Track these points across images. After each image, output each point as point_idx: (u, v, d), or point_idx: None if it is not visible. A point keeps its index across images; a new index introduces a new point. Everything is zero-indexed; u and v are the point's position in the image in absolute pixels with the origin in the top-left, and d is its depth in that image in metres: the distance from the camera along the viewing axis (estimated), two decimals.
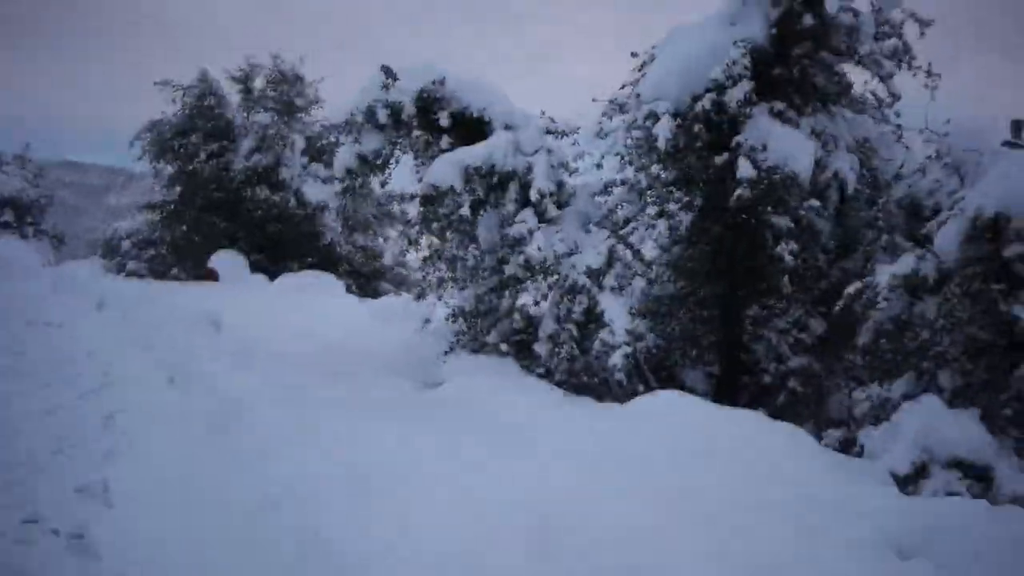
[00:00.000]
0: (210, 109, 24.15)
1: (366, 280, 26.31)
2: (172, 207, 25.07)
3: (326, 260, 25.79)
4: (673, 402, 7.82)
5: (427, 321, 12.68)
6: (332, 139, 10.56)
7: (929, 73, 10.77)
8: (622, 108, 11.19)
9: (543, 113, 11.07)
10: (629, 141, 10.69)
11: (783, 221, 10.44)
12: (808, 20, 10.39)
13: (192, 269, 24.24)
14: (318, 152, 24.88)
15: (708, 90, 10.35)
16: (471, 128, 11.02)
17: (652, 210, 10.98)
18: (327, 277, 19.81)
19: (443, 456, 6.60)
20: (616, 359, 9.86)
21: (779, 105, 10.57)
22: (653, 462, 6.42)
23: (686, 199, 11.06)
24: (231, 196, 24.55)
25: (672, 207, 11.06)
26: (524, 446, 7.10)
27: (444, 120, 10.79)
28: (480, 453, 6.69)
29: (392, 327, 13.60)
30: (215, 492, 6.32)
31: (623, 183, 11.00)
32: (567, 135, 11.03)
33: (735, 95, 10.12)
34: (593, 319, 10.35)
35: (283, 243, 25.22)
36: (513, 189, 10.70)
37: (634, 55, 12.15)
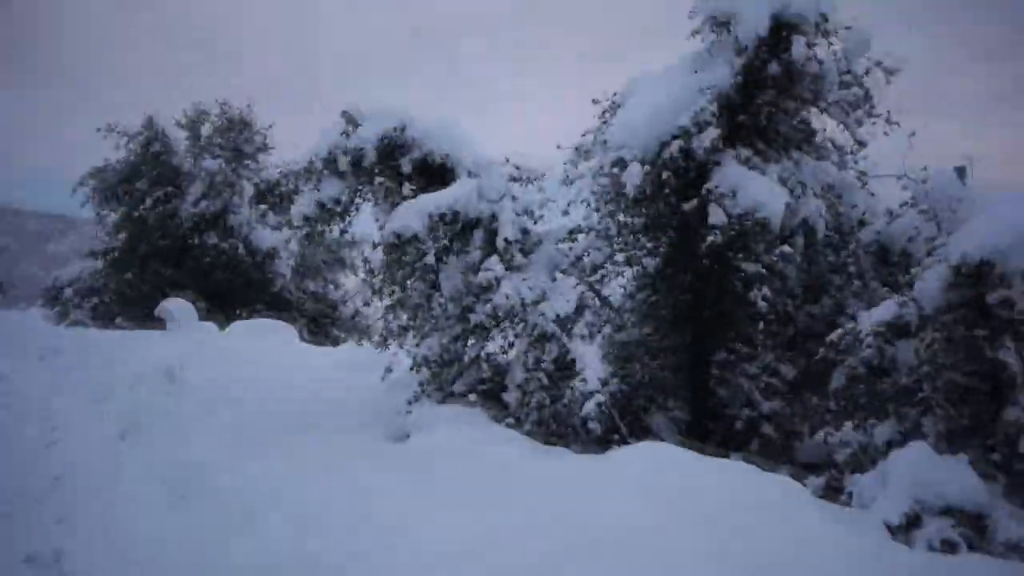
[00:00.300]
0: (156, 155, 23.61)
1: (317, 326, 25.82)
2: (117, 254, 24.39)
3: (276, 306, 25.28)
4: (657, 456, 7.53)
5: (389, 371, 12.33)
6: (291, 186, 10.16)
7: (888, 121, 10.81)
8: (587, 154, 11.02)
9: (507, 160, 10.85)
10: (596, 188, 10.51)
11: (753, 267, 10.30)
12: (773, 68, 10.34)
13: (138, 317, 23.56)
14: (267, 198, 24.43)
15: (675, 137, 10.23)
16: (434, 174, 10.78)
17: (620, 256, 10.78)
18: (277, 323, 19.29)
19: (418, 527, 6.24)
20: (590, 407, 9.62)
21: (745, 152, 10.48)
22: (644, 530, 6.12)
23: (653, 245, 10.89)
24: (178, 243, 23.98)
25: (639, 253, 10.88)
26: (501, 510, 6.77)
27: (406, 167, 10.54)
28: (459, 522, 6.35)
29: (354, 376, 13.18)
30: (176, 569, 5.91)
31: (590, 230, 10.78)
32: (532, 182, 10.82)
33: (703, 142, 10.00)
34: (564, 367, 10.09)
35: (232, 290, 24.67)
36: (478, 236, 10.45)
37: (596, 102, 12.03)
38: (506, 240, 10.20)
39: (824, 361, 11.03)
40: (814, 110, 11.03)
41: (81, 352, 14.60)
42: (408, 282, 10.66)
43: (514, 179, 10.82)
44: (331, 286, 26.71)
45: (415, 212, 10.13)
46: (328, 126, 10.54)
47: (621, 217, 10.49)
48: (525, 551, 5.88)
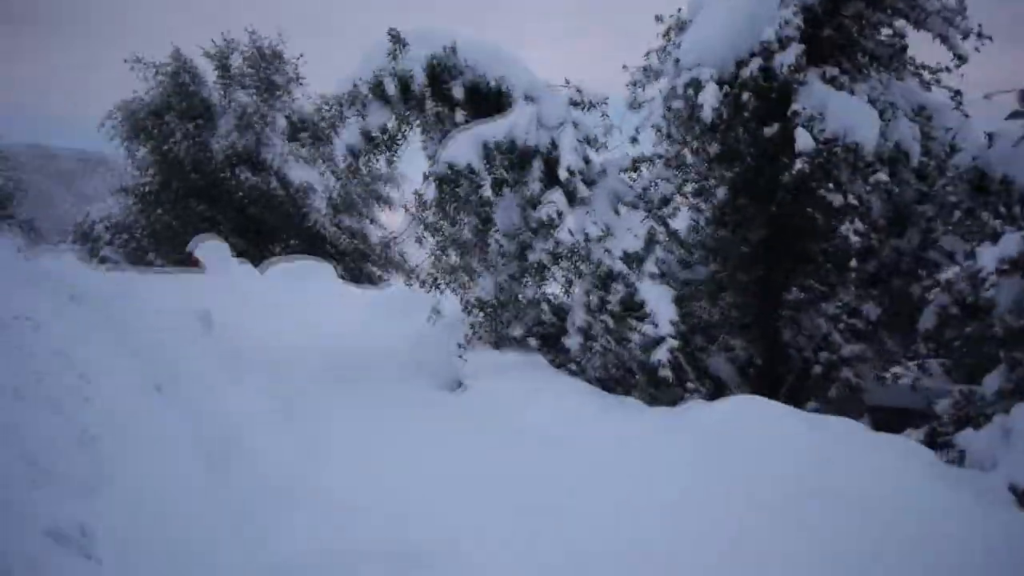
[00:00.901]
0: (185, 87, 22.61)
1: (353, 262, 25.01)
2: (148, 191, 23.56)
3: (310, 243, 24.47)
4: (763, 415, 6.61)
5: (437, 312, 11.47)
6: (333, 113, 9.18)
7: (980, 35, 9.68)
8: (655, 75, 9.96)
9: (568, 83, 9.81)
10: (666, 112, 9.45)
11: (838, 198, 9.26)
12: None
13: (171, 255, 22.83)
14: (301, 131, 23.49)
15: (754, 54, 9.20)
16: (487, 101, 9.77)
17: (690, 188, 9.78)
18: (317, 263, 18.42)
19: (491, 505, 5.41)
20: (661, 354, 8.72)
21: (831, 70, 9.39)
22: (766, 507, 5.25)
23: (727, 175, 9.86)
24: (210, 179, 23.09)
25: (711, 184, 9.87)
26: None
27: (457, 92, 9.52)
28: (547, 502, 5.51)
29: (399, 320, 12.32)
30: (212, 555, 5.14)
31: (658, 158, 9.76)
32: (595, 106, 9.79)
33: (787, 59, 8.94)
34: (631, 308, 9.18)
35: (266, 226, 23.87)
36: (537, 167, 9.47)
37: (659, 19, 10.96)
38: (568, 170, 9.22)
39: (909, 299, 10.07)
40: (904, 23, 9.87)
41: (114, 294, 13.83)
42: (461, 217, 9.70)
43: (575, 104, 9.81)
44: (367, 222, 25.80)
45: (469, 141, 9.17)
46: (369, 48, 9.52)
47: (695, 144, 9.44)
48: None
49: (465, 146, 9.15)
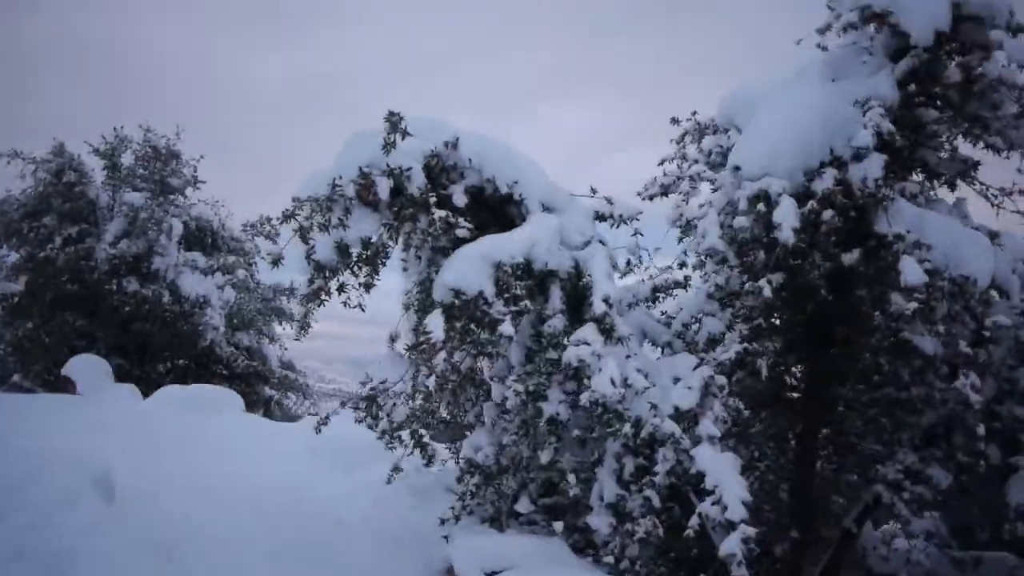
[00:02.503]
0: (69, 187, 19.67)
1: (248, 386, 22.08)
2: (16, 300, 20.26)
3: (199, 364, 21.53)
4: None
5: (398, 469, 9.09)
6: (302, 220, 6.79)
7: None
8: (693, 188, 8.08)
9: (594, 192, 7.79)
10: (719, 232, 7.48)
11: (929, 342, 7.42)
12: (953, 74, 7.58)
13: (39, 374, 19.53)
14: (199, 238, 20.83)
15: (826, 164, 7.38)
16: (495, 210, 7.68)
17: (742, 326, 7.76)
18: (220, 390, 15.59)
19: None
20: (732, 546, 6.51)
21: (911, 186, 7.67)
22: None
23: (790, 313, 7.93)
24: (91, 288, 20.01)
25: (768, 324, 7.91)
26: None
27: (459, 197, 7.37)
28: None
29: (347, 474, 9.86)
30: None
31: (715, 288, 7.77)
32: (626, 222, 7.77)
33: (871, 171, 7.14)
34: (687, 483, 7.03)
35: (151, 345, 20.81)
36: (556, 296, 7.33)
37: (675, 121, 9.17)
38: (607, 302, 7.11)
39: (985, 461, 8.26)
40: (978, 133, 8.29)
41: None
42: (460, 359, 7.43)
43: (601, 218, 7.79)
44: (266, 340, 22.98)
45: (478, 260, 6.99)
46: (351, 139, 7.30)
47: (760, 274, 7.43)
48: None
49: (473, 266, 6.96)
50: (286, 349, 23.53)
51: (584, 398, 6.88)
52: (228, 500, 8.54)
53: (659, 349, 8.07)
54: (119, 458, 9.10)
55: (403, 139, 6.99)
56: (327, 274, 7.20)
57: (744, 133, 7.90)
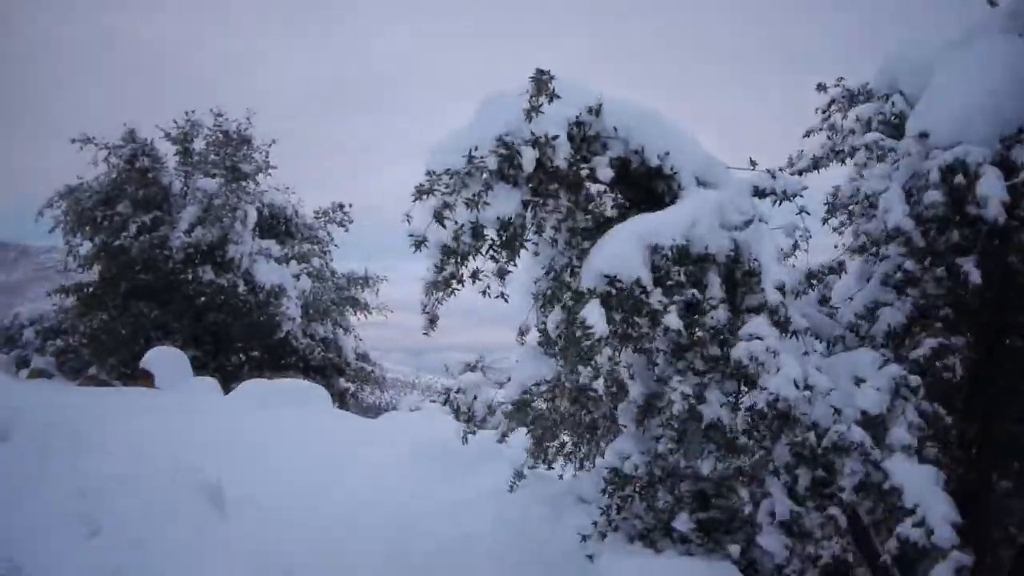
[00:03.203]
0: (143, 173, 19.17)
1: (323, 378, 21.43)
2: (91, 290, 19.81)
3: (275, 355, 20.94)
4: None
5: (520, 476, 8.27)
6: (436, 197, 5.87)
7: None
8: (879, 156, 7.04)
9: (753, 164, 6.79)
10: (905, 209, 6.45)
11: None
12: None
13: (115, 368, 19.04)
14: (274, 225, 20.22)
15: (1022, 129, 6.33)
16: (642, 185, 6.69)
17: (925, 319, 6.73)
18: (306, 385, 14.85)
19: None
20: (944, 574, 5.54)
21: None
22: None
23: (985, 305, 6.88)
24: (166, 278, 19.50)
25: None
26: None
27: (604, 171, 6.40)
28: None
29: (457, 478, 9.02)
30: None
31: (892, 273, 6.75)
32: (789, 198, 6.77)
33: None
34: (881, 499, 6.04)
35: (226, 335, 20.27)
36: (715, 282, 6.36)
37: (822, 88, 8.16)
38: (780, 290, 6.15)
39: None
40: None
41: (60, 430, 10.16)
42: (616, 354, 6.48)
43: (760, 194, 6.80)
44: (340, 330, 22.31)
45: (632, 243, 6.02)
46: (485, 103, 6.38)
47: (957, 257, 6.39)
48: None
49: (628, 249, 6.01)
50: (361, 340, 22.88)
51: (760, 400, 5.92)
52: (336, 512, 7.76)
53: (825, 344, 7.08)
54: (216, 461, 8.37)
55: (550, 103, 6.06)
56: (459, 259, 6.29)
57: (925, 97, 6.84)
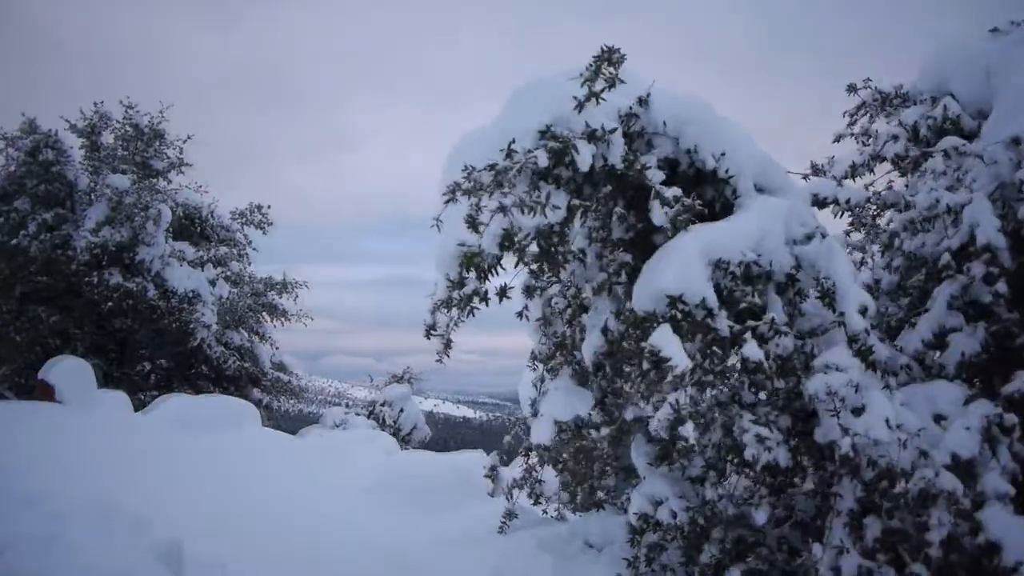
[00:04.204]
0: (46, 167, 17.31)
1: (237, 390, 19.90)
2: None
3: (185, 364, 19.32)
4: None
5: (512, 516, 7.26)
6: (463, 199, 4.77)
7: None
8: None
9: (815, 169, 5.91)
10: (996, 224, 5.65)
11: None
12: None
13: (8, 378, 17.17)
14: (189, 226, 18.61)
15: None
16: (692, 190, 5.72)
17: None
18: (234, 402, 13.38)
19: None
20: None
21: None
22: None
23: None
24: (67, 280, 17.68)
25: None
26: None
27: (654, 172, 5.41)
28: None
29: (430, 517, 7.90)
30: None
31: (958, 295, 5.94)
32: (851, 210, 5.92)
33: None
34: (980, 554, 5.20)
35: (133, 343, 18.55)
36: (778, 305, 5.45)
37: (852, 90, 7.38)
38: (863, 313, 5.28)
39: None
40: None
41: None
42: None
43: (820, 204, 5.95)
44: (256, 338, 20.79)
45: (695, 258, 5.06)
46: (522, 90, 5.31)
47: None
48: None
49: (691, 266, 5.04)
50: (278, 348, 21.40)
51: (845, 444, 5.01)
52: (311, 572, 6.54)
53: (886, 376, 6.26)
54: (156, 505, 7.04)
55: (611, 88, 5.03)
56: (484, 273, 5.20)
57: (1001, 99, 6.09)
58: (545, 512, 7.93)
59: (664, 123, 5.53)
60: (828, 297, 5.39)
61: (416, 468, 9.13)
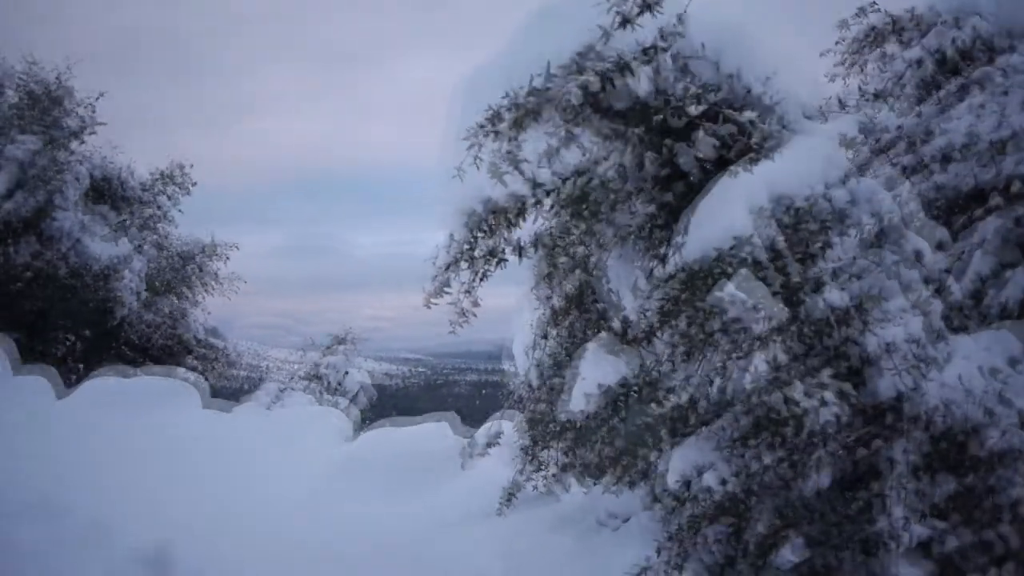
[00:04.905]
0: None
1: (166, 358, 18.72)
2: None
3: (110, 337, 18.04)
4: None
5: (512, 495, 6.62)
6: (494, 140, 3.95)
7: None
8: None
9: (843, 105, 5.27)
10: None
11: None
12: None
13: None
14: (107, 192, 17.25)
15: None
16: (734, 121, 5.00)
17: None
18: (172, 381, 12.34)
19: None
20: None
21: None
22: None
23: None
24: None
25: None
26: None
27: (692, 103, 4.68)
28: None
29: (415, 497, 7.19)
30: None
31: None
32: (886, 150, 5.29)
33: None
34: None
35: (50, 322, 17.16)
36: (837, 244, 4.81)
37: (862, 13, 6.78)
38: (940, 248, 4.69)
39: None
40: None
41: None
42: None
43: (849, 144, 5.33)
44: (187, 304, 19.56)
45: (758, 193, 4.39)
46: (535, 16, 4.51)
47: None
48: None
49: (753, 204, 4.36)
50: (210, 314, 20.23)
51: (922, 401, 4.41)
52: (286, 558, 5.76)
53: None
54: (117, 504, 6.17)
55: (646, 13, 4.24)
56: (507, 224, 4.42)
57: None
58: (536, 488, 7.25)
59: (703, 44, 4.79)
60: (891, 235, 4.76)
61: (385, 445, 8.37)
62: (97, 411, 10.56)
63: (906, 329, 4.50)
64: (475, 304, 4.56)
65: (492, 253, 4.48)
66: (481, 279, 4.63)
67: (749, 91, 4.83)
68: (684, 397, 4.39)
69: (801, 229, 4.46)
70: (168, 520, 6.02)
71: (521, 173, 3.98)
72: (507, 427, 13.87)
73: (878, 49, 7.06)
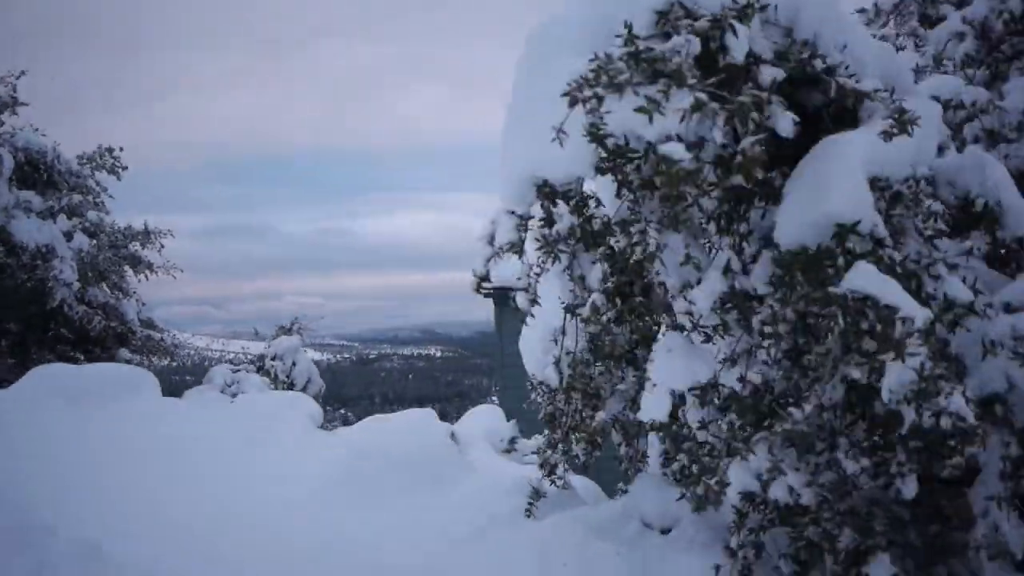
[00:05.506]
0: None
1: (102, 350, 17.69)
2: None
3: (42, 327, 16.96)
4: None
5: (538, 495, 6.09)
6: (589, 102, 3.38)
7: None
8: None
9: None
10: None
11: None
12: None
13: None
14: (36, 172, 16.11)
15: None
16: (807, 91, 4.53)
17: None
18: (124, 369, 11.45)
19: None
20: None
21: None
22: None
23: None
24: None
25: None
26: None
27: (768, 70, 4.19)
28: None
29: (437, 499, 6.62)
30: None
31: None
32: (978, 116, 4.87)
33: None
34: None
35: None
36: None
37: None
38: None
39: None
40: None
41: None
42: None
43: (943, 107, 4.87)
44: (120, 293, 18.52)
45: (858, 172, 3.92)
46: None
47: None
48: None
49: (856, 184, 3.89)
50: (144, 304, 19.19)
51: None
52: None
53: None
54: (62, 499, 5.47)
55: None
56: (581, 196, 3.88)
57: None
58: (554, 483, 6.73)
59: (775, 7, 4.29)
60: (989, 217, 4.35)
61: (375, 444, 7.73)
62: (56, 406, 9.70)
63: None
64: (535, 299, 4.02)
65: (568, 235, 3.93)
66: (553, 259, 4.08)
67: (826, 58, 4.34)
68: (808, 409, 3.85)
69: (897, 212, 4.00)
70: (168, 520, 5.34)
71: (605, 145, 3.44)
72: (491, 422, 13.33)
73: (899, 23, 6.68)
